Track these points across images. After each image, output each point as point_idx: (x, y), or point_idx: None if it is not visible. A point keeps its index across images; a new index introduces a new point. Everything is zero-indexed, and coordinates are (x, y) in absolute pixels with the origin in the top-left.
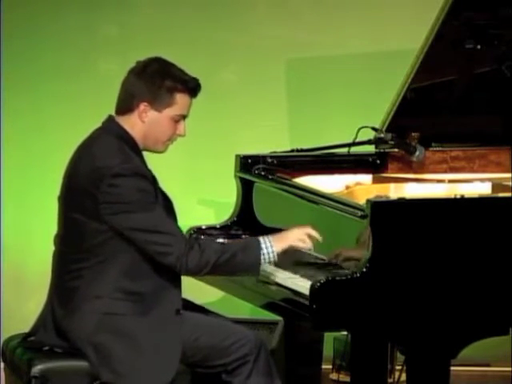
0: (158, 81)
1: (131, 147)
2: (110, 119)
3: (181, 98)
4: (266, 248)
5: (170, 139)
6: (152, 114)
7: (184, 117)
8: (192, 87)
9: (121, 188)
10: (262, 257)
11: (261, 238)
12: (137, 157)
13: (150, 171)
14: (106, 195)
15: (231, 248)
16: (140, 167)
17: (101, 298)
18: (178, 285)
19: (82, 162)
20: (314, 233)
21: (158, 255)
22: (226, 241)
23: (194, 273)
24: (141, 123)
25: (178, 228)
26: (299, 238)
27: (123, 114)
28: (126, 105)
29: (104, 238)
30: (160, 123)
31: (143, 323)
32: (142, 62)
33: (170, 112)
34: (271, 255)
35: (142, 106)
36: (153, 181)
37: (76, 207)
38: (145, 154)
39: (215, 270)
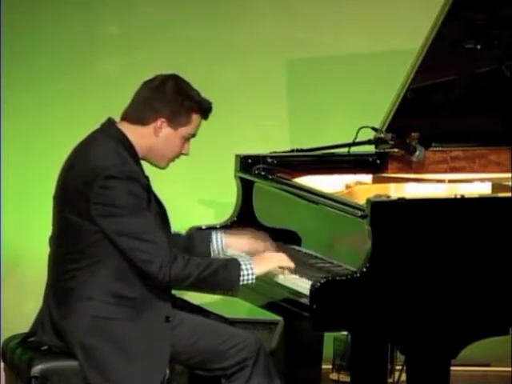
0: (178, 100)
1: (129, 152)
2: (110, 122)
3: (196, 119)
4: (247, 270)
5: (175, 157)
6: (167, 131)
7: (193, 136)
8: (206, 109)
9: (112, 190)
10: (241, 277)
11: (241, 260)
12: (133, 161)
13: (145, 177)
14: (97, 196)
15: (213, 264)
16: (135, 171)
17: (92, 300)
18: (168, 292)
19: (78, 162)
20: (288, 261)
21: (141, 263)
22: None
23: (176, 284)
24: (153, 137)
25: (166, 237)
26: (278, 262)
27: (134, 123)
28: (141, 116)
29: (96, 239)
30: (172, 141)
31: (132, 328)
32: (159, 78)
33: (184, 131)
34: (250, 277)
35: (160, 122)
36: (146, 186)
37: (70, 207)
38: None
39: (197, 284)
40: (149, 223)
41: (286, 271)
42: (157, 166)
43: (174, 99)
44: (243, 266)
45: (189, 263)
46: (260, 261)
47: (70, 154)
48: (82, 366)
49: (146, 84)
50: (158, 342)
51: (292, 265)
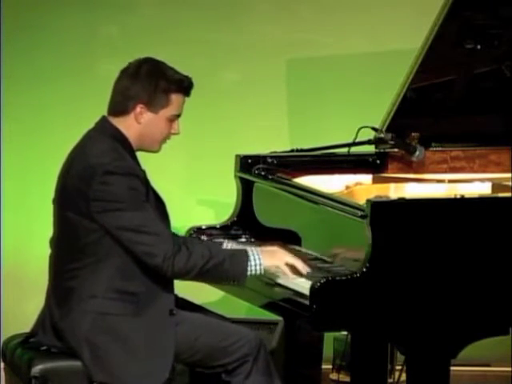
0: (153, 82)
1: (125, 147)
2: (104, 120)
3: (176, 98)
4: (254, 260)
5: (165, 139)
6: (148, 116)
7: (178, 116)
8: (186, 86)
9: (112, 186)
10: (249, 268)
11: (249, 250)
12: (130, 157)
13: (142, 171)
14: (96, 192)
15: (219, 255)
16: (133, 167)
17: (95, 297)
18: (171, 285)
19: (76, 162)
20: (302, 266)
21: (144, 256)
22: (222, 241)
23: (180, 276)
24: (137, 124)
25: (167, 230)
26: (288, 262)
27: (118, 115)
28: (121, 107)
29: (97, 237)
30: (156, 124)
31: (137, 324)
32: (133, 64)
33: (166, 113)
34: (258, 267)
35: (139, 108)
36: (145, 181)
37: (69, 206)
38: (144, 154)
39: (201, 275)
40: (150, 216)
41: (291, 274)
42: (151, 151)
43: (149, 82)
44: (251, 257)
45: (193, 254)
46: (270, 254)
47: (68, 155)
48: (86, 364)
49: (123, 73)
50: (162, 337)
51: (304, 268)
